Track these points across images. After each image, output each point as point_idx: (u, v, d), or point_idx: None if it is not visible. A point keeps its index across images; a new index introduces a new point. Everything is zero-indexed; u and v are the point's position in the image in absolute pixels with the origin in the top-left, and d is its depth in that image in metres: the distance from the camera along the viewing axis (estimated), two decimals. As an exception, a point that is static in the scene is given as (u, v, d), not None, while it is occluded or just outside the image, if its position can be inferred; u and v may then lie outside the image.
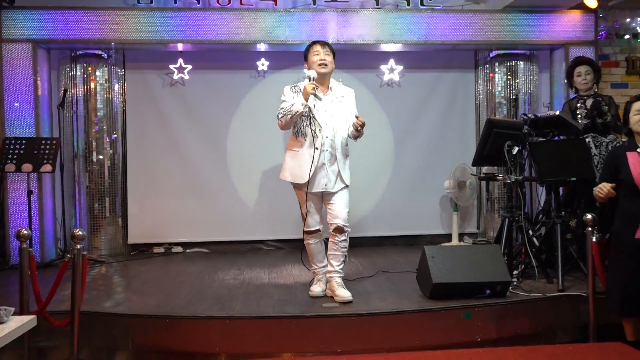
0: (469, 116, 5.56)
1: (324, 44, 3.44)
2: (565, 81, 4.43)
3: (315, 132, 3.33)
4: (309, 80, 3.26)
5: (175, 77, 5.24)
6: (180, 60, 5.23)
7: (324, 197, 3.41)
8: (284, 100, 3.40)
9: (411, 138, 5.48)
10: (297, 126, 3.40)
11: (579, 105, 4.17)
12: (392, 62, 5.40)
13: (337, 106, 3.41)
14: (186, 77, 5.25)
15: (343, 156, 3.41)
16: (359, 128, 3.28)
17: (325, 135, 3.33)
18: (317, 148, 3.30)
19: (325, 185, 3.33)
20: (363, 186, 5.25)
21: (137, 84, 5.25)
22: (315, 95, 3.25)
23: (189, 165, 5.27)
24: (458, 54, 5.45)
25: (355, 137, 3.42)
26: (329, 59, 3.40)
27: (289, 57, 5.14)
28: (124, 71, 5.23)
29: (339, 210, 3.34)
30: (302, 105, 3.26)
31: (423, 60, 5.44)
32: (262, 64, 5.27)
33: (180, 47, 5.08)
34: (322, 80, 3.40)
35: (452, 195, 5.21)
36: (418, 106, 5.46)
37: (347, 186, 3.41)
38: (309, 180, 3.30)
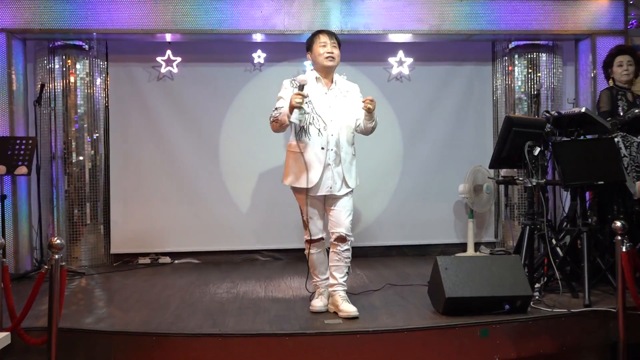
0: (486, 113, 5.59)
1: (331, 34, 3.46)
2: (596, 72, 4.43)
3: (320, 131, 3.34)
4: (299, 88, 3.24)
5: (163, 70, 5.26)
6: (169, 52, 5.25)
7: (326, 202, 3.42)
8: (280, 98, 3.42)
9: (422, 137, 5.49)
10: (299, 125, 3.40)
11: (619, 96, 4.16)
12: (401, 54, 5.42)
13: (342, 102, 3.43)
14: (175, 70, 5.27)
15: (349, 156, 3.42)
16: (370, 107, 3.24)
17: (330, 134, 3.35)
18: (322, 148, 3.33)
19: (330, 188, 3.34)
20: (369, 190, 5.28)
21: (121, 78, 5.27)
22: (300, 108, 3.20)
23: (178, 168, 5.30)
24: (474, 45, 5.48)
25: (368, 130, 3.41)
26: (337, 51, 3.43)
27: (288, 49, 5.19)
28: (107, 64, 5.26)
29: (342, 217, 3.35)
30: (287, 117, 3.25)
31: (435, 52, 5.46)
32: (259, 56, 5.28)
33: (168, 37, 5.09)
34: (327, 73, 3.44)
35: (467, 201, 5.23)
36: (430, 102, 5.48)
37: (351, 191, 3.42)
38: (319, 184, 3.32)
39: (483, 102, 5.57)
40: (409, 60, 5.43)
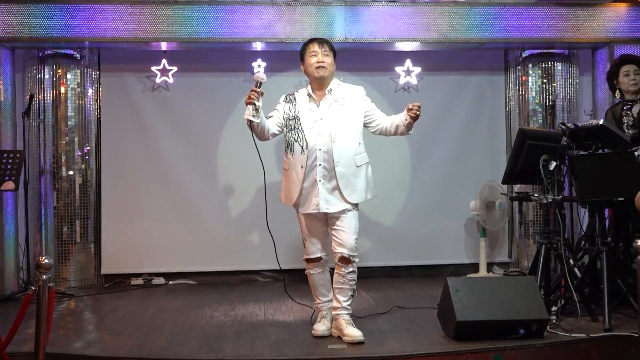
0: (499, 126, 5.61)
1: (322, 42, 3.48)
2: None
3: (303, 149, 3.37)
4: (255, 85, 3.29)
5: (158, 80, 5.29)
6: (164, 62, 5.29)
7: (329, 220, 3.42)
8: (274, 109, 3.52)
9: (431, 151, 5.51)
10: (286, 140, 3.46)
11: (624, 112, 4.18)
12: (408, 63, 5.45)
13: (338, 111, 3.42)
14: (170, 80, 5.30)
15: (350, 169, 3.38)
16: (418, 114, 3.30)
17: (318, 148, 3.35)
18: (302, 167, 3.35)
19: (317, 205, 3.34)
20: (374, 208, 5.27)
21: (114, 89, 5.31)
22: (252, 105, 3.25)
23: (173, 183, 5.31)
24: (485, 54, 5.53)
25: (395, 134, 3.47)
26: (328, 60, 3.44)
27: (290, 58, 5.04)
28: (99, 74, 5.31)
29: (345, 236, 3.34)
30: (245, 118, 3.30)
31: (444, 61, 5.49)
32: (258, 66, 5.30)
33: (163, 46, 5.13)
34: (320, 84, 3.45)
35: (479, 218, 5.23)
36: (439, 114, 5.49)
37: (354, 207, 3.40)
38: (299, 202, 3.38)
39: (495, 113, 5.59)
40: (417, 69, 5.44)
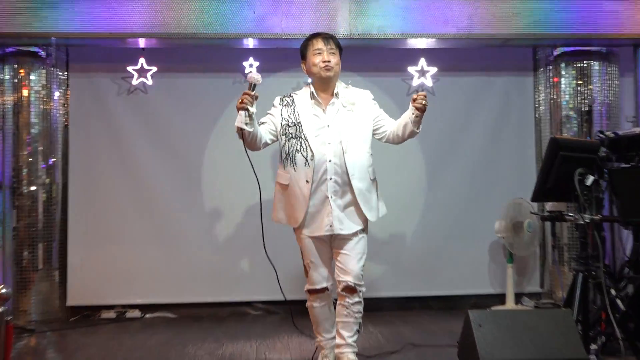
0: (527, 134, 5.61)
1: (327, 38, 3.50)
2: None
3: (307, 160, 3.38)
4: (249, 87, 3.29)
5: (135, 82, 5.30)
6: (142, 61, 5.30)
7: (333, 243, 3.44)
8: (268, 113, 3.53)
9: (449, 164, 5.51)
10: (285, 151, 3.46)
11: None
12: (423, 62, 5.45)
13: (347, 117, 3.46)
14: (149, 82, 5.31)
15: (364, 182, 3.42)
16: (424, 104, 3.29)
17: (328, 159, 3.38)
18: (307, 181, 3.36)
19: (331, 226, 3.36)
20: (384, 229, 5.31)
21: (85, 92, 5.33)
22: (246, 111, 3.24)
23: (152, 201, 5.31)
24: (511, 52, 5.53)
25: (405, 137, 3.46)
26: (335, 59, 3.47)
27: (287, 57, 5.14)
28: (67, 75, 5.33)
29: (351, 263, 3.37)
30: (237, 126, 3.28)
31: (464, 60, 5.51)
32: (250, 65, 5.31)
33: (141, 42, 5.14)
34: (325, 86, 3.49)
35: (505, 242, 5.21)
36: (457, 121, 5.52)
37: (365, 228, 3.45)
38: (304, 222, 3.38)
39: (523, 120, 5.59)
40: (433, 69, 5.45)
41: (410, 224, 5.48)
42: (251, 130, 3.29)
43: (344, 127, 3.43)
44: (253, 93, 3.27)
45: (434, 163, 5.51)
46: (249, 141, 3.37)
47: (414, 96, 3.34)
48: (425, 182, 5.51)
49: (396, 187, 5.30)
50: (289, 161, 3.43)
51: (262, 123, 3.49)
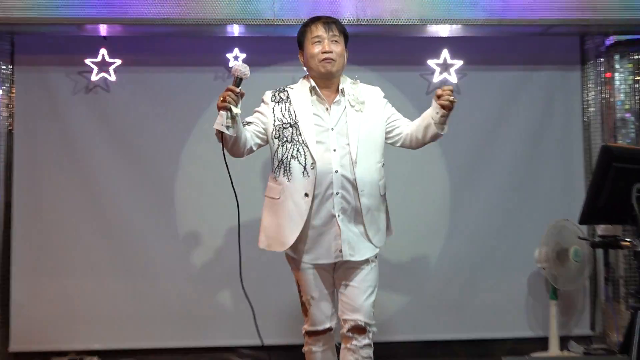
0: (573, 142, 5.58)
1: (329, 23, 3.51)
2: None
3: (306, 169, 3.39)
4: (233, 82, 3.29)
5: (95, 77, 5.28)
6: (103, 52, 5.27)
7: (336, 273, 3.47)
8: (256, 111, 3.57)
9: (478, 177, 5.49)
10: (277, 158, 3.48)
11: None
12: (445, 54, 5.41)
13: (355, 119, 3.47)
14: (112, 78, 5.29)
15: (374, 199, 3.45)
16: (452, 100, 3.32)
17: (333, 169, 3.38)
18: (307, 194, 3.36)
19: (340, 252, 3.37)
20: (399, 257, 5.30)
21: (33, 89, 5.31)
22: (231, 114, 3.24)
23: (114, 224, 5.29)
24: (553, 42, 5.50)
25: (426, 141, 3.52)
26: (338, 48, 3.47)
27: (280, 47, 5.15)
28: (12, 68, 5.31)
29: (360, 297, 3.40)
30: (216, 129, 3.27)
31: (497, 52, 5.50)
32: (235, 57, 5.29)
33: (103, 29, 5.08)
34: (328, 81, 3.51)
35: (547, 273, 5.16)
36: (488, 125, 5.51)
37: (376, 256, 3.48)
38: (302, 247, 3.41)
39: (568, 124, 5.56)
40: (458, 63, 5.41)
41: (431, 251, 5.45)
42: (233, 135, 3.28)
43: (352, 131, 3.43)
44: (238, 90, 3.25)
45: (460, 176, 5.48)
46: (230, 146, 3.36)
47: (439, 91, 3.34)
48: (449, 199, 5.47)
49: (414, 205, 5.33)
50: (281, 170, 3.44)
51: (248, 123, 3.50)
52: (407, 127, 3.58)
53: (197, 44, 5.34)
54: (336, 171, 3.38)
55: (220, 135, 3.27)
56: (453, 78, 5.42)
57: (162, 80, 5.37)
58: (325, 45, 3.44)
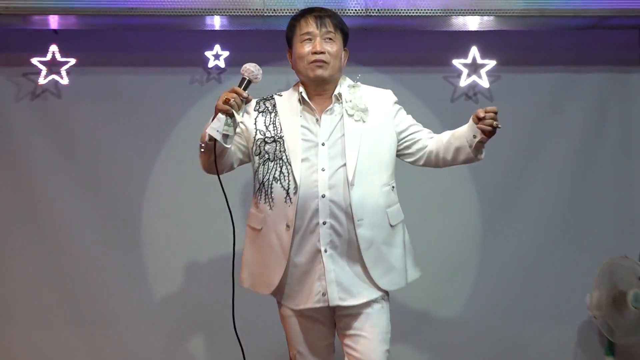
0: (632, 159, 5.56)
1: (321, 16, 3.51)
2: None
3: (289, 193, 3.39)
4: (240, 84, 3.32)
5: (43, 81, 5.26)
6: (54, 49, 5.25)
7: (337, 318, 3.50)
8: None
9: (515, 205, 5.49)
10: (258, 179, 3.52)
11: None
12: (475, 52, 5.36)
13: (353, 130, 3.46)
14: (64, 81, 5.26)
15: (379, 231, 3.43)
16: (495, 125, 3.36)
17: (320, 194, 3.37)
18: (288, 226, 3.38)
19: (324, 295, 3.39)
20: (418, 301, 5.32)
21: (-32, 95, 5.26)
22: (232, 122, 3.26)
23: (66, 260, 5.29)
24: (607, 37, 5.45)
25: (453, 163, 3.58)
26: (333, 48, 3.47)
27: (270, 43, 4.91)
28: (-58, 69, 5.26)
29: (369, 348, 3.41)
30: (209, 133, 3.26)
31: (537, 49, 5.48)
32: (216, 55, 5.30)
33: (53, 22, 5.07)
34: (321, 87, 3.52)
35: (600, 323, 5.15)
36: (527, 139, 5.50)
37: (385, 295, 3.49)
38: (284, 289, 3.47)
39: (625, 138, 5.53)
40: (490, 63, 5.36)
41: (457, 294, 5.47)
42: (228, 146, 3.32)
43: (349, 146, 3.42)
44: (245, 94, 3.27)
45: (493, 201, 5.48)
46: (214, 160, 3.37)
47: (480, 113, 3.33)
48: (479, 229, 5.48)
49: (434, 236, 5.34)
50: (263, 195, 3.47)
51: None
52: (432, 142, 3.57)
53: (170, 40, 5.33)
54: (323, 195, 3.36)
55: (213, 143, 3.26)
56: (484, 81, 5.37)
57: (126, 84, 5.36)
58: (316, 44, 3.44)
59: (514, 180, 5.47)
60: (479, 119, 3.31)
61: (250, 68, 3.34)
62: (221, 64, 5.30)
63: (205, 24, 5.16)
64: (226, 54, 5.28)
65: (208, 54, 5.28)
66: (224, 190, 3.43)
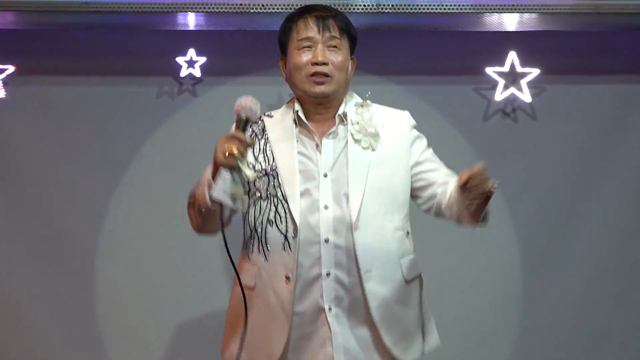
0: None
1: (324, 17, 3.44)
2: None
3: (287, 238, 3.33)
4: (237, 124, 3.25)
5: (-27, 93, 5.21)
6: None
7: None
8: None
9: (562, 249, 5.46)
10: (249, 223, 3.48)
11: None
12: (513, 58, 5.32)
13: (360, 158, 3.42)
14: (0, 93, 5.26)
15: (394, 287, 3.40)
16: (486, 190, 3.13)
17: (323, 238, 3.32)
18: (288, 278, 3.33)
19: None
20: None
21: None
22: (235, 171, 3.18)
23: (4, 309, 5.30)
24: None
25: (466, 222, 3.39)
26: (338, 58, 3.42)
27: (258, 47, 5.13)
28: None
29: None
30: (206, 192, 3.23)
31: (592, 55, 5.45)
32: (190, 62, 5.29)
33: (-17, 18, 4.96)
34: (322, 107, 3.48)
35: None
36: (578, 168, 5.48)
37: None
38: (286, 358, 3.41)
39: None
40: (532, 72, 5.31)
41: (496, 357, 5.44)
42: (241, 209, 3.34)
43: (354, 178, 3.37)
44: (245, 137, 3.20)
45: (536, 246, 5.44)
46: (216, 224, 3.32)
47: (463, 176, 3.12)
48: (519, 281, 5.45)
49: (464, 290, 5.38)
50: (255, 242, 3.42)
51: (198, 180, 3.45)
52: (444, 189, 3.44)
53: (133, 43, 5.33)
54: (326, 240, 3.30)
55: (219, 208, 3.21)
56: (525, 95, 5.33)
57: (77, 97, 5.34)
58: (317, 53, 3.36)
59: (562, 219, 5.44)
60: (464, 184, 3.12)
61: (247, 104, 3.21)
62: (196, 72, 5.27)
63: (176, 23, 5.13)
64: (202, 60, 5.26)
65: (180, 60, 5.26)
66: (231, 257, 3.35)
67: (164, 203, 5.29)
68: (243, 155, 3.15)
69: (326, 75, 3.35)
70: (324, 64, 3.35)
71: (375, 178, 3.38)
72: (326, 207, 3.33)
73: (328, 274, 3.30)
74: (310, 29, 3.40)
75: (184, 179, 5.11)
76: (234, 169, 3.14)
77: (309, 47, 3.38)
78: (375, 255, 3.33)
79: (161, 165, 5.33)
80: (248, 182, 3.25)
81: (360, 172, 3.37)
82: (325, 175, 3.36)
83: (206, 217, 3.31)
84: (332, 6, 3.65)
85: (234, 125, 3.26)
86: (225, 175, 3.17)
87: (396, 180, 3.43)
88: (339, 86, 3.40)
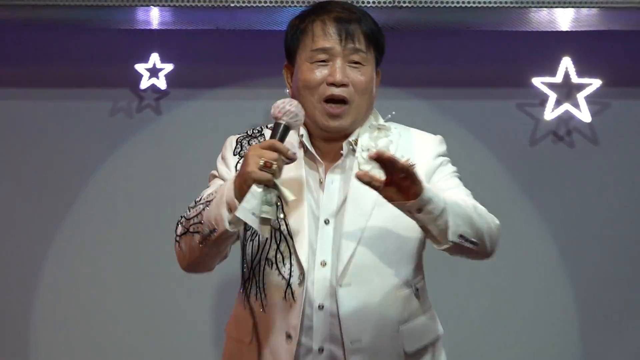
0: None
1: (348, 20, 3.24)
2: None
3: (291, 285, 3.20)
4: (274, 132, 3.06)
5: None
6: None
7: None
8: (213, 177, 3.44)
9: (630, 305, 5.40)
10: (245, 264, 3.33)
11: None
12: (568, 65, 5.28)
13: (363, 194, 3.25)
14: None
15: (385, 357, 3.28)
16: (406, 164, 2.93)
17: (317, 302, 3.21)
18: (290, 337, 3.21)
19: None
20: None
21: None
22: (273, 189, 2.95)
23: None
24: None
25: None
26: (362, 77, 3.24)
27: (239, 53, 5.28)
28: None
29: None
30: (226, 216, 3.00)
31: None
32: (153, 71, 5.28)
33: None
34: (332, 134, 3.31)
35: None
36: None
37: None
38: None
39: None
40: (592, 84, 5.25)
41: None
42: (266, 235, 3.14)
43: (349, 219, 3.24)
44: (286, 149, 2.98)
45: (597, 304, 5.45)
46: (218, 253, 3.19)
47: (359, 173, 2.99)
48: (579, 349, 5.48)
49: (513, 347, 5.43)
50: (252, 286, 3.30)
51: (210, 198, 3.21)
52: None
53: (81, 46, 5.36)
54: (320, 306, 3.16)
55: (244, 229, 3.14)
56: (583, 113, 5.29)
57: (12, 114, 5.42)
58: (335, 71, 3.14)
59: (630, 270, 5.41)
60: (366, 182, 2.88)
61: (291, 107, 2.97)
62: (161, 83, 5.23)
63: (136, 21, 5.18)
64: (169, 68, 5.22)
65: (140, 67, 5.23)
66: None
67: (116, 245, 5.36)
68: (281, 170, 2.94)
69: (344, 101, 3.14)
70: (343, 85, 3.14)
71: (379, 218, 3.20)
72: (323, 264, 3.18)
73: (320, 350, 3.17)
74: (328, 38, 3.18)
75: (143, 215, 5.19)
76: (269, 186, 2.91)
77: (324, 61, 3.18)
78: (366, 320, 3.18)
79: (114, 199, 5.36)
80: (277, 205, 3.05)
81: (362, 212, 3.21)
82: (327, 222, 3.21)
83: (214, 246, 3.05)
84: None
85: (267, 134, 3.11)
86: (256, 193, 2.91)
87: (407, 222, 3.07)
88: (359, 114, 3.21)
